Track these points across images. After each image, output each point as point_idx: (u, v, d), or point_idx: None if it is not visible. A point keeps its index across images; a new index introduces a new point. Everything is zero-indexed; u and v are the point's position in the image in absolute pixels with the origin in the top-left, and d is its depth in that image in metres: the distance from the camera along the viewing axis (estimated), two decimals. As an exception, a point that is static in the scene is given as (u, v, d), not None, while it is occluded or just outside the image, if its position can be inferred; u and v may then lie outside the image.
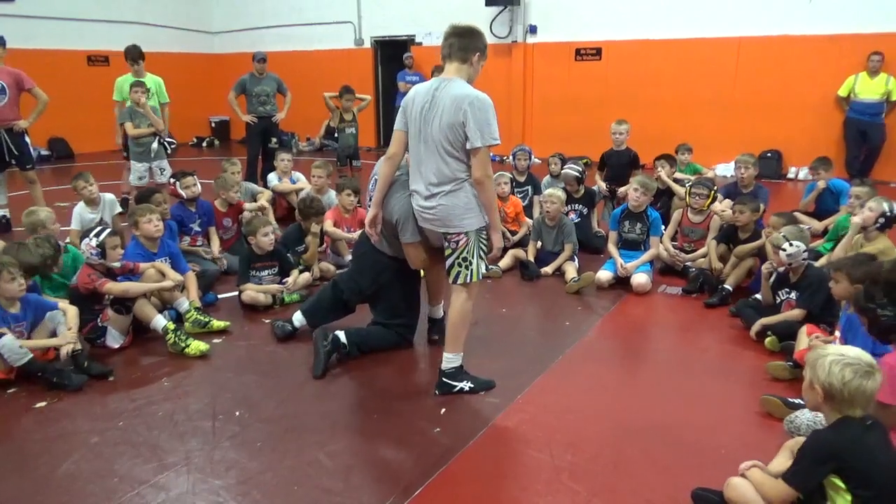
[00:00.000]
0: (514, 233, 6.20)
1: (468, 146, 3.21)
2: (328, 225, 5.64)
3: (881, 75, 8.92)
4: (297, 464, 2.93)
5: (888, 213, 4.46)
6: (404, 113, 3.43)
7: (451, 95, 3.22)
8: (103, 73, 8.70)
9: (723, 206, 5.78)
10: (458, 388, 3.52)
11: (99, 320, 4.11)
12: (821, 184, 6.38)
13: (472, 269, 3.39)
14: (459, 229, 3.34)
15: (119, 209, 6.01)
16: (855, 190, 5.44)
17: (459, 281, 3.42)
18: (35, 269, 4.11)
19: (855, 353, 2.22)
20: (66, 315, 3.89)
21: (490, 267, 5.66)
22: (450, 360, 3.54)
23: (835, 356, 2.19)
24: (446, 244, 3.42)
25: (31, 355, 3.61)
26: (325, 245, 5.82)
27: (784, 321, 4.09)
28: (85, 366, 3.74)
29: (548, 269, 5.56)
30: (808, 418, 2.94)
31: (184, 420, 3.31)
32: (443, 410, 3.38)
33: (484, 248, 3.43)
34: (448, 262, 3.43)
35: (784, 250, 4.09)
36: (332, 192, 6.59)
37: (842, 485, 2.14)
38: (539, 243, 5.81)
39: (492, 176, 3.31)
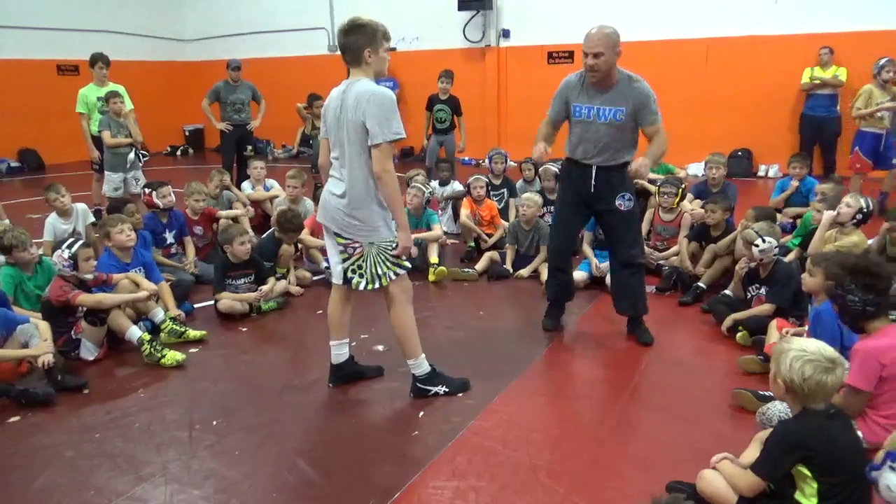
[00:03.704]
0: (489, 235, 6.24)
1: (369, 142, 3.14)
2: (304, 233, 5.64)
3: (832, 68, 9.16)
4: (276, 471, 2.93)
5: (865, 210, 4.58)
6: (324, 121, 3.40)
7: (353, 95, 3.17)
8: (73, 82, 8.61)
9: (693, 206, 5.87)
10: (432, 391, 3.54)
11: (73, 333, 4.07)
12: (794, 183, 6.52)
13: (366, 278, 3.32)
14: (354, 237, 3.29)
15: (92, 218, 5.96)
16: (819, 187, 5.56)
17: (360, 288, 3.36)
18: None
19: (816, 347, 2.26)
20: (39, 329, 3.84)
21: (465, 270, 5.70)
22: (415, 365, 3.54)
23: (796, 352, 2.25)
24: (340, 248, 3.36)
25: None
26: (299, 251, 5.82)
27: (754, 316, 4.17)
28: (59, 379, 3.70)
29: (523, 272, 5.61)
30: (778, 410, 3.00)
31: (160, 431, 3.29)
32: (420, 413, 3.40)
33: (388, 256, 3.33)
34: (343, 266, 3.38)
35: (757, 246, 4.19)
36: (307, 200, 6.59)
37: (808, 473, 2.19)
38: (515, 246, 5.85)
39: (391, 171, 3.19)
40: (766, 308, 4.16)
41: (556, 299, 4.50)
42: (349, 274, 3.37)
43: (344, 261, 3.37)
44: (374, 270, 3.32)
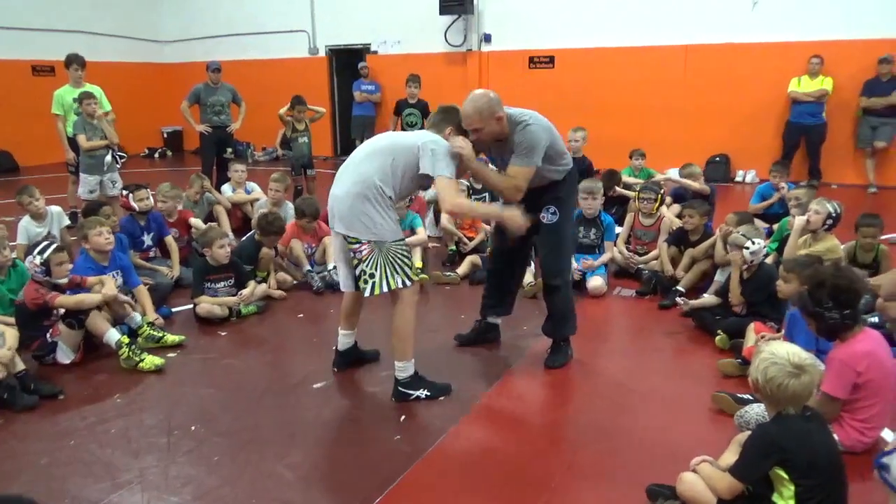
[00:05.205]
0: (470, 239, 6.24)
1: (426, 171, 3.30)
2: (282, 247, 5.59)
3: (819, 77, 9.32)
4: (255, 477, 2.90)
5: (833, 214, 4.66)
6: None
7: (426, 134, 3.48)
8: (49, 83, 8.49)
9: (671, 211, 5.94)
10: (414, 396, 3.53)
11: (48, 336, 4.00)
12: (779, 193, 6.58)
13: (374, 283, 3.33)
14: (361, 236, 3.31)
15: (67, 221, 5.86)
16: (793, 192, 5.65)
17: (366, 294, 3.40)
18: None
19: (785, 352, 2.28)
20: (5, 337, 3.73)
21: (446, 274, 5.70)
22: (402, 368, 3.53)
23: (766, 354, 2.30)
24: (352, 254, 3.38)
25: None
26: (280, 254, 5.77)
27: (734, 318, 4.24)
28: (32, 388, 3.61)
29: None
30: (757, 413, 3.03)
31: (138, 437, 3.24)
32: (402, 418, 3.39)
33: (403, 260, 3.36)
34: (355, 272, 3.42)
35: (747, 248, 4.24)
36: (289, 204, 6.54)
37: (785, 475, 2.22)
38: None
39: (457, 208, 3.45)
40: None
41: (483, 304, 4.34)
42: (361, 284, 3.39)
43: (355, 266, 3.39)
44: (384, 274, 3.32)
